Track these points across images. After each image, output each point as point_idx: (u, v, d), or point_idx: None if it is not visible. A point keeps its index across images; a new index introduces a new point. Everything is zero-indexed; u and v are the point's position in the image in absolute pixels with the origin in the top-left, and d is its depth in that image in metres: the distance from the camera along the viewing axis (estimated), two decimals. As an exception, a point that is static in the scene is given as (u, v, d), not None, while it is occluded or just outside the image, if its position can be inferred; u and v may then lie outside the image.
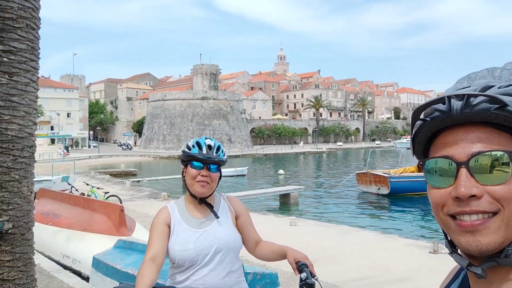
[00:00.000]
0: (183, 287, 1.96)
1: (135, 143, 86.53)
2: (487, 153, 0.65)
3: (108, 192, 14.99)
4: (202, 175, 1.99)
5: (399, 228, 13.59)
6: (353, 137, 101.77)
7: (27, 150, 2.93)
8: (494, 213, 0.65)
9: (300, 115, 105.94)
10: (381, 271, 7.06)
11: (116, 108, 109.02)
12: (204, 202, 2.05)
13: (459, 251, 0.70)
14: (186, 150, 2.04)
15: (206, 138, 2.07)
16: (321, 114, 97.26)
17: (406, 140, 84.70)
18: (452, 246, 0.71)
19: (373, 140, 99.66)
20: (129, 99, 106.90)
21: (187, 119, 70.52)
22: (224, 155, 2.07)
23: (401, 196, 19.84)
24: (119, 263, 4.75)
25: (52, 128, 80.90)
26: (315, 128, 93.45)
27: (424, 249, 8.53)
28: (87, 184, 15.52)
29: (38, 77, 3.06)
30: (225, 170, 31.56)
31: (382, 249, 8.70)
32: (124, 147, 77.00)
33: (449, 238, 0.71)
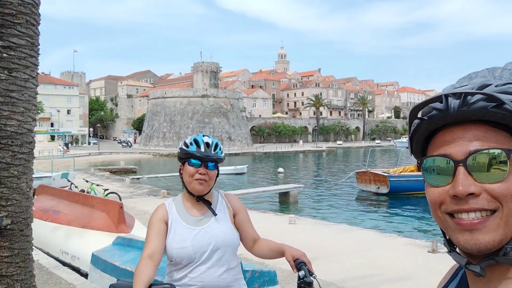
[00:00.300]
0: (181, 284, 1.96)
1: (134, 140, 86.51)
2: (484, 151, 0.65)
3: (107, 189, 15.01)
4: (200, 173, 1.98)
5: (398, 227, 13.61)
6: (353, 136, 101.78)
7: (26, 146, 2.93)
8: (493, 211, 0.65)
9: (300, 113, 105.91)
10: (380, 270, 7.07)
11: (116, 105, 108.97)
12: (202, 200, 2.05)
13: (457, 249, 0.70)
14: (184, 147, 2.03)
15: (204, 136, 2.06)
16: (321, 113, 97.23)
17: (406, 140, 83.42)
18: (451, 245, 0.71)
19: (373, 139, 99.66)
20: (129, 96, 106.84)
21: (187, 117, 70.50)
22: (222, 153, 2.07)
23: (401, 196, 19.86)
24: (118, 260, 4.76)
25: (52, 124, 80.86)
26: (315, 126, 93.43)
27: (423, 248, 8.54)
28: (87, 181, 15.52)
29: (37, 73, 3.05)
30: (224, 168, 31.63)
31: (381, 248, 8.71)
32: (124, 144, 77.00)
33: (447, 237, 0.71)
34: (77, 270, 6.48)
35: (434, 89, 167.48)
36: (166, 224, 2.01)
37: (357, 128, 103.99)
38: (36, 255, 6.62)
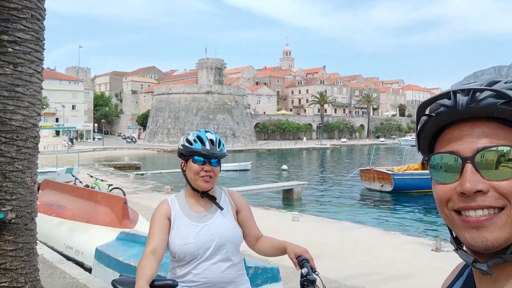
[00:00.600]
0: (185, 280, 1.96)
1: (139, 136, 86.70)
2: (493, 148, 0.64)
3: (111, 185, 15.04)
4: (205, 170, 1.98)
5: (402, 226, 13.58)
6: (357, 133, 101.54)
7: (31, 141, 2.94)
8: (500, 209, 0.64)
9: (305, 110, 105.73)
10: (383, 268, 7.06)
11: (121, 101, 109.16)
12: (206, 195, 2.05)
13: (464, 247, 0.69)
14: (187, 144, 2.01)
15: (206, 132, 2.05)
16: (325, 110, 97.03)
17: (411, 138, 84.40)
18: (457, 243, 0.70)
19: (378, 137, 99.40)
20: (134, 92, 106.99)
21: (191, 113, 70.55)
22: (224, 149, 2.07)
23: (404, 194, 19.81)
24: (122, 255, 4.77)
25: (57, 120, 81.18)
26: (319, 124, 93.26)
27: (426, 247, 8.52)
28: (91, 176, 15.57)
29: (42, 68, 3.06)
30: (228, 165, 31.65)
31: (384, 246, 8.69)
32: (128, 140, 77.18)
33: (454, 234, 0.70)
34: (81, 264, 6.51)
35: (440, 87, 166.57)
36: (169, 220, 2.00)
37: (362, 126, 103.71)
38: (40, 249, 6.65)
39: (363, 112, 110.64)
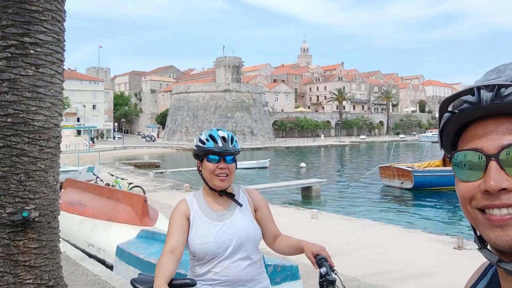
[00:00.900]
0: (205, 279, 1.97)
1: (157, 134, 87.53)
2: None
3: (132, 183, 15.23)
4: (220, 168, 1.98)
5: (422, 223, 13.39)
6: (376, 130, 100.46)
7: (53, 141, 2.99)
8: None
9: (323, 108, 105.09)
10: (403, 266, 6.97)
11: (140, 100, 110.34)
12: (225, 193, 2.05)
13: (488, 246, 0.67)
14: (200, 144, 2.02)
15: (218, 130, 2.05)
16: (344, 107, 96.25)
17: (432, 134, 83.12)
18: (481, 242, 0.69)
19: (397, 133, 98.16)
20: (152, 91, 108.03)
21: (209, 112, 70.88)
22: (238, 145, 2.07)
23: (425, 191, 19.52)
24: (142, 253, 4.83)
25: (78, 119, 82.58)
26: (338, 121, 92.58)
27: (448, 245, 8.38)
28: (112, 175, 15.79)
29: (63, 69, 3.11)
30: (247, 162, 31.71)
31: (405, 244, 8.59)
32: (147, 138, 78.00)
33: (478, 233, 0.69)
34: (102, 262, 6.61)
35: (461, 82, 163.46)
36: (188, 219, 2.01)
37: (381, 122, 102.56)
38: (63, 247, 6.79)
39: (382, 108, 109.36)
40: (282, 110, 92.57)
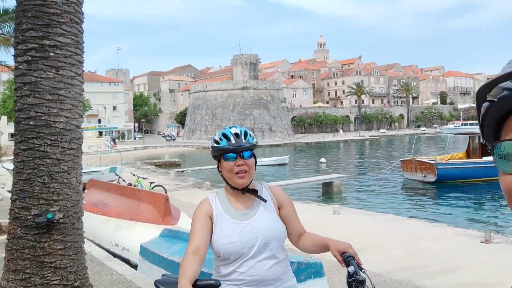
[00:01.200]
0: (231, 279, 1.95)
1: (177, 134, 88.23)
2: None
3: (153, 182, 15.37)
4: (238, 165, 1.95)
5: (447, 217, 13.12)
6: (396, 123, 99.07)
7: (74, 142, 3.01)
8: None
9: (342, 102, 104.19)
10: (429, 261, 6.84)
11: (159, 100, 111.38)
12: (247, 191, 2.02)
13: None
14: (215, 145, 2.00)
15: (231, 127, 2.02)
16: (363, 101, 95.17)
17: (454, 126, 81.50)
18: None
19: (418, 126, 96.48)
20: (171, 91, 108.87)
21: (228, 109, 71.06)
22: (253, 139, 2.02)
23: (449, 184, 19.15)
24: (166, 252, 4.85)
25: (99, 121, 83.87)
26: (357, 115, 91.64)
27: (475, 239, 8.19)
28: (133, 175, 15.95)
29: (83, 71, 3.13)
30: (266, 159, 31.65)
31: (430, 238, 8.43)
32: (168, 138, 78.67)
33: None
34: (127, 261, 6.68)
35: (483, 72, 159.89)
36: (211, 218, 1.98)
37: (401, 115, 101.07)
38: (88, 247, 6.88)
39: (402, 101, 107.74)
40: (300, 106, 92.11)
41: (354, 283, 1.71)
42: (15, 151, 2.78)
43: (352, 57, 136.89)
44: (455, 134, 28.45)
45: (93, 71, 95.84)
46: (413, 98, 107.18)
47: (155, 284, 1.89)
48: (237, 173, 1.96)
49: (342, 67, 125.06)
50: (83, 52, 3.14)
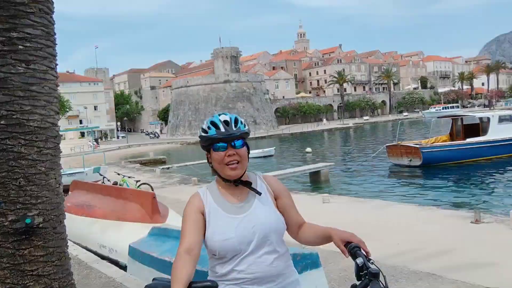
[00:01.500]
0: (230, 279, 1.78)
1: (161, 131, 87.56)
2: None
3: (139, 180, 15.09)
4: (229, 155, 1.79)
5: (436, 200, 13.21)
6: (379, 110, 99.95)
7: (51, 141, 2.82)
8: None
9: (324, 91, 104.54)
10: (422, 244, 6.81)
11: (141, 97, 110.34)
12: (240, 183, 1.86)
13: None
14: (203, 134, 1.83)
15: (220, 115, 1.85)
16: (345, 89, 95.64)
17: (435, 110, 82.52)
18: None
19: (400, 112, 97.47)
20: (152, 88, 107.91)
21: (211, 104, 70.68)
22: (245, 126, 1.85)
23: (434, 166, 19.33)
24: (156, 251, 4.69)
25: (81, 121, 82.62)
26: (340, 103, 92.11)
27: (465, 220, 8.22)
28: (118, 174, 15.66)
29: (56, 64, 2.92)
30: (252, 152, 31.28)
31: (421, 222, 8.42)
32: (151, 135, 78.00)
33: None
34: (115, 263, 6.50)
35: (461, 55, 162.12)
36: (203, 215, 1.82)
37: (383, 102, 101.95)
38: (75, 250, 6.68)
39: (383, 88, 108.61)
40: (283, 97, 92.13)
41: (366, 276, 1.57)
42: (-14, 154, 2.59)
43: (332, 46, 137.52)
44: (438, 118, 28.72)
45: (71, 72, 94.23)
46: (394, 84, 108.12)
47: None
48: (228, 164, 1.80)
49: (323, 56, 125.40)
50: (56, 44, 2.94)
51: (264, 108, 73.98)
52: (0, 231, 2.62)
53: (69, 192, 9.65)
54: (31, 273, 2.63)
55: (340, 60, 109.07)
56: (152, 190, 13.05)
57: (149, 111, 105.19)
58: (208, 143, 1.83)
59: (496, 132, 20.59)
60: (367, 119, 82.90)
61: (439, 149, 20.15)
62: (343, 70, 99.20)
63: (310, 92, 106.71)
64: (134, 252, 5.14)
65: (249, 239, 1.77)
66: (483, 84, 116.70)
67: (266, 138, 56.54)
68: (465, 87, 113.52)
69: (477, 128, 21.58)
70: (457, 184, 16.03)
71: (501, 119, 21.16)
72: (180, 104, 73.57)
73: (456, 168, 18.86)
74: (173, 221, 6.80)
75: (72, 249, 6.54)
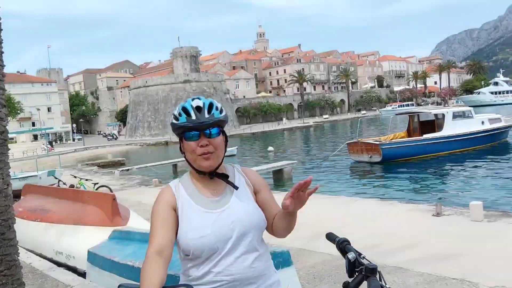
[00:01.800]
0: (204, 282, 1.59)
1: (118, 132, 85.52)
2: None
3: (97, 183, 14.56)
4: (201, 146, 1.61)
5: (397, 194, 13.48)
6: (338, 109, 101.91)
7: (-3, 137, 2.54)
8: None
9: (284, 91, 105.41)
10: (388, 238, 6.85)
11: (97, 98, 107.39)
12: (216, 175, 1.69)
13: None
14: (174, 121, 1.64)
15: (193, 99, 1.66)
16: (305, 89, 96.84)
17: (391, 108, 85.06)
18: None
19: (359, 110, 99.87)
20: (109, 88, 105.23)
21: (170, 104, 69.65)
22: (220, 113, 1.67)
23: (393, 163, 19.79)
24: (117, 255, 4.42)
25: (33, 124, 79.27)
26: (300, 103, 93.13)
27: (426, 213, 8.36)
28: (75, 177, 15.07)
29: (2, 52, 2.64)
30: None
31: (385, 216, 8.50)
32: (109, 137, 76.08)
33: None
34: (73, 269, 6.14)
35: (415, 55, 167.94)
36: (175, 210, 1.63)
37: (342, 100, 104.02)
38: (28, 258, 6.25)
39: (342, 87, 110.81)
40: (244, 96, 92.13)
41: (363, 272, 1.44)
42: None
43: (291, 46, 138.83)
44: (396, 114, 29.52)
45: (22, 72, 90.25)
46: (352, 83, 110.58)
47: None
48: (201, 155, 1.63)
49: (282, 56, 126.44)
50: (1, 42, 2.65)
51: (225, 108, 71.21)
52: None
53: (21, 197, 9.12)
54: (-25, 285, 2.35)
55: (300, 59, 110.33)
56: (111, 192, 12.58)
57: (107, 112, 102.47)
58: (179, 132, 1.64)
59: (451, 128, 21.36)
60: (327, 118, 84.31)
61: (398, 146, 20.66)
62: (303, 69, 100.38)
63: (270, 92, 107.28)
64: (93, 258, 4.84)
65: (227, 236, 1.59)
66: (435, 82, 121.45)
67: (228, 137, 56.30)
68: (419, 85, 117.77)
69: (433, 125, 22.30)
70: (416, 179, 16.46)
71: (455, 116, 21.97)
72: (139, 104, 72.08)
73: (415, 164, 19.39)
74: (135, 223, 6.51)
75: (25, 257, 6.12)
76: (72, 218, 7.00)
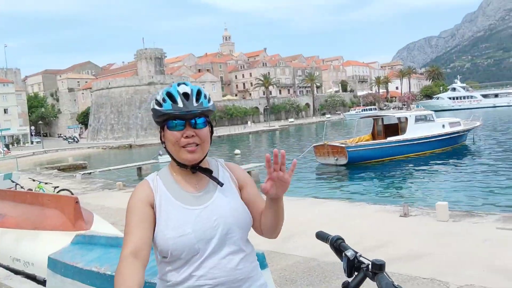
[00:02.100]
0: (185, 287, 1.44)
1: (79, 135, 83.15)
2: None
3: (57, 187, 13.98)
4: (186, 137, 1.46)
5: (364, 196, 13.65)
6: (303, 112, 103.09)
7: None
8: None
9: (250, 94, 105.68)
10: (358, 239, 6.85)
11: (58, 100, 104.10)
12: (199, 169, 1.54)
13: None
14: (157, 107, 1.48)
15: (179, 85, 1.51)
16: (270, 92, 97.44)
17: (355, 112, 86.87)
18: None
19: (323, 114, 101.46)
20: (70, 90, 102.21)
21: (134, 106, 68.37)
22: (209, 102, 1.53)
23: (359, 165, 20.10)
24: (80, 261, 4.16)
25: (-12, 126, 75.81)
26: (266, 106, 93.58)
27: (394, 213, 8.48)
28: (34, 180, 14.43)
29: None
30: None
31: (354, 217, 8.55)
32: (70, 140, 73.92)
33: None
34: (32, 277, 5.79)
35: (377, 61, 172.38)
36: (152, 207, 1.47)
37: (307, 104, 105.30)
38: (-18, 266, 5.85)
39: (307, 91, 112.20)
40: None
41: (368, 270, 1.34)
42: None
43: (257, 50, 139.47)
44: (361, 118, 30.06)
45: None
46: (317, 87, 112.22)
47: None
48: (185, 147, 1.48)
49: (248, 59, 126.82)
50: None
51: (191, 111, 72.98)
52: None
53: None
54: None
55: (265, 63, 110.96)
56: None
57: (67, 115, 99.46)
58: (162, 119, 1.48)
59: (413, 131, 21.94)
60: (292, 121, 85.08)
61: (363, 148, 21.01)
62: (269, 73, 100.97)
63: (236, 95, 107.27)
64: (54, 264, 4.55)
65: (210, 235, 1.44)
66: (397, 88, 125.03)
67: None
68: (381, 90, 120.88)
69: (396, 128, 22.86)
70: (382, 181, 16.74)
71: (417, 119, 22.59)
72: (101, 106, 70.34)
73: (379, 166, 19.75)
74: (99, 227, 6.21)
75: (-21, 265, 5.72)
76: (31, 222, 6.62)
